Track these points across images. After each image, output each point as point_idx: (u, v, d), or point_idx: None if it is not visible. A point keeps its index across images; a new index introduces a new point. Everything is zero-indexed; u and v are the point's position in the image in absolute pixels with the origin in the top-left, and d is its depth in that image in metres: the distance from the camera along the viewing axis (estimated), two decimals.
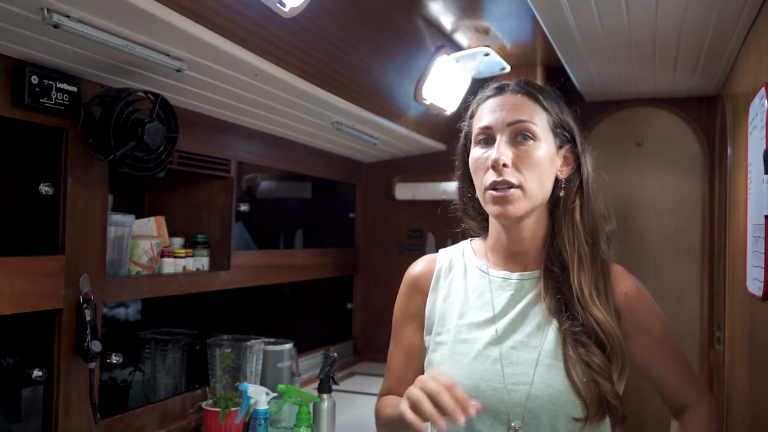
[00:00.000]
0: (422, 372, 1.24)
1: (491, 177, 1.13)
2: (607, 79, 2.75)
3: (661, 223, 3.11)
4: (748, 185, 1.75)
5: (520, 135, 1.14)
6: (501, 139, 1.14)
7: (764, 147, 1.51)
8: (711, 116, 3.00)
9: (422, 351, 1.26)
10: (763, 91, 1.56)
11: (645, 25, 2.00)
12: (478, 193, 1.19)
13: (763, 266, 1.52)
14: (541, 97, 1.18)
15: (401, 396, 1.22)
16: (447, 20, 2.29)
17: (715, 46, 2.19)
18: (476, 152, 1.18)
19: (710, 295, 2.98)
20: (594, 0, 1.79)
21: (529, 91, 1.18)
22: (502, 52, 2.54)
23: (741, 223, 1.89)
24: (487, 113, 1.18)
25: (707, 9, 1.84)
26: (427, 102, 2.50)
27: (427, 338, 1.24)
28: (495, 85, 1.23)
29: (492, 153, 1.13)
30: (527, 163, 1.13)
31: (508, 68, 2.57)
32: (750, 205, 1.73)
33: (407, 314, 1.28)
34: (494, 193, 1.13)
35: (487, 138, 1.16)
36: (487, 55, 2.45)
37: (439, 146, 2.89)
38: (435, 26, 2.33)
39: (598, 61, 2.45)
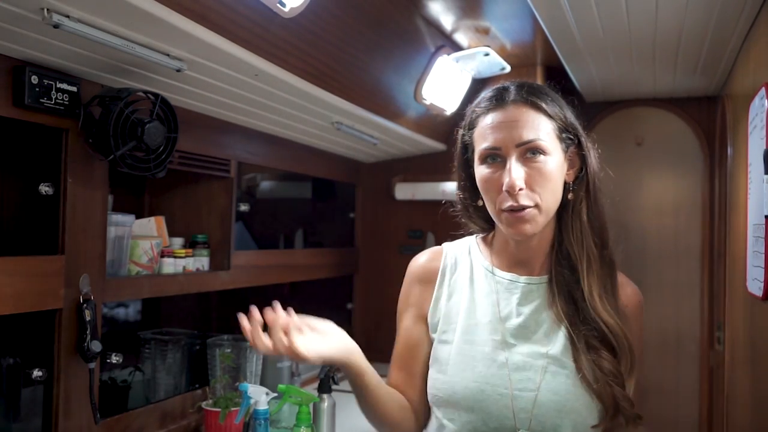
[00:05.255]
0: (425, 363, 1.22)
1: (506, 201, 1.10)
2: (607, 79, 2.75)
3: (661, 223, 3.11)
4: (748, 185, 1.75)
5: (529, 152, 1.10)
6: (511, 161, 1.10)
7: (764, 147, 1.51)
8: (711, 116, 3.00)
9: (422, 342, 1.23)
10: (763, 91, 1.56)
11: (645, 25, 2.00)
12: (490, 211, 1.15)
13: (763, 266, 1.52)
14: (544, 105, 1.12)
15: (403, 388, 1.22)
16: (447, 20, 2.29)
17: (715, 46, 2.19)
18: (484, 171, 1.13)
19: (710, 295, 2.97)
20: (594, 0, 1.79)
21: (531, 100, 1.12)
22: (502, 52, 2.54)
23: (741, 223, 1.89)
24: (491, 131, 1.12)
25: (707, 9, 1.84)
26: (427, 102, 2.50)
27: (433, 335, 1.23)
28: (492, 93, 1.16)
29: (504, 176, 1.09)
30: (540, 181, 1.10)
31: (508, 68, 2.57)
32: (750, 205, 1.73)
33: (407, 304, 1.26)
34: (509, 215, 1.10)
35: (494, 156, 1.12)
36: (487, 55, 2.45)
37: (439, 146, 2.89)
38: (435, 26, 2.33)
39: (598, 62, 2.45)
